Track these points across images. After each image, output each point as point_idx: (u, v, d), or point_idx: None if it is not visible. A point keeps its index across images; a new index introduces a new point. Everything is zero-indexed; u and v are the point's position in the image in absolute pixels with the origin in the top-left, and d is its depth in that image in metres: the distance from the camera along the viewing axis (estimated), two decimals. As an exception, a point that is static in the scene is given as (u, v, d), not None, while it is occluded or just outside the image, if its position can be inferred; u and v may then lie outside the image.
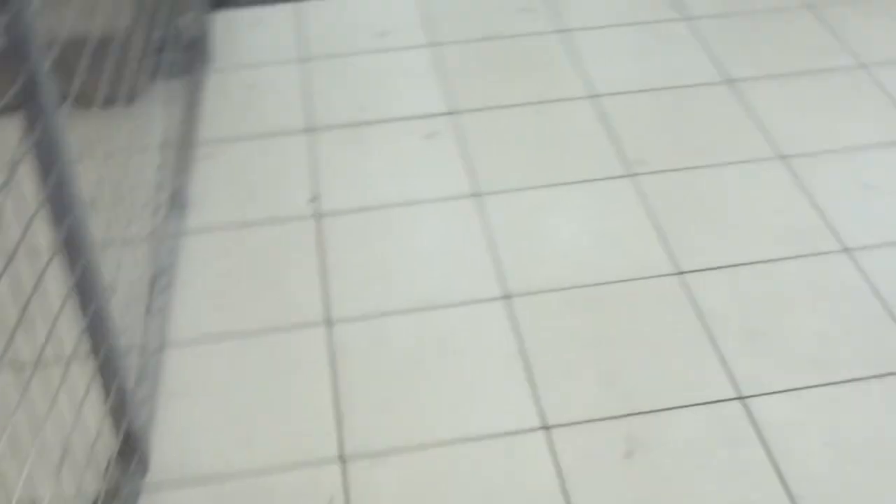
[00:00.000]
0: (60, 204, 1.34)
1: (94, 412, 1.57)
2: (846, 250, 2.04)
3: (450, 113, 2.48)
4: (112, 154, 2.07)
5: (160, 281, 2.03)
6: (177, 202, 2.22)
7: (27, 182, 1.29)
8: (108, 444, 1.60)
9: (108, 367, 1.53)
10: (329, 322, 1.94)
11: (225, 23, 2.87)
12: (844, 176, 2.24)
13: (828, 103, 2.47)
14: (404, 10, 2.90)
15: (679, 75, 2.58)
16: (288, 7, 2.92)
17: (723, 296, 1.95)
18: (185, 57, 2.64)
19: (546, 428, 1.71)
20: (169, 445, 1.71)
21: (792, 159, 2.29)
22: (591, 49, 2.70)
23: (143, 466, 1.67)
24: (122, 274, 1.84)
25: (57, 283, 1.42)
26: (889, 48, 2.64)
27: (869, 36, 2.69)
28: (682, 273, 2.00)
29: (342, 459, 1.68)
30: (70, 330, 1.46)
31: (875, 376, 1.76)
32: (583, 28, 2.78)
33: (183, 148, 2.37)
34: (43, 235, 1.34)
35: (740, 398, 1.73)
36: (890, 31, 2.73)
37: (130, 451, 1.63)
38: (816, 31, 2.72)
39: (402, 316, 1.95)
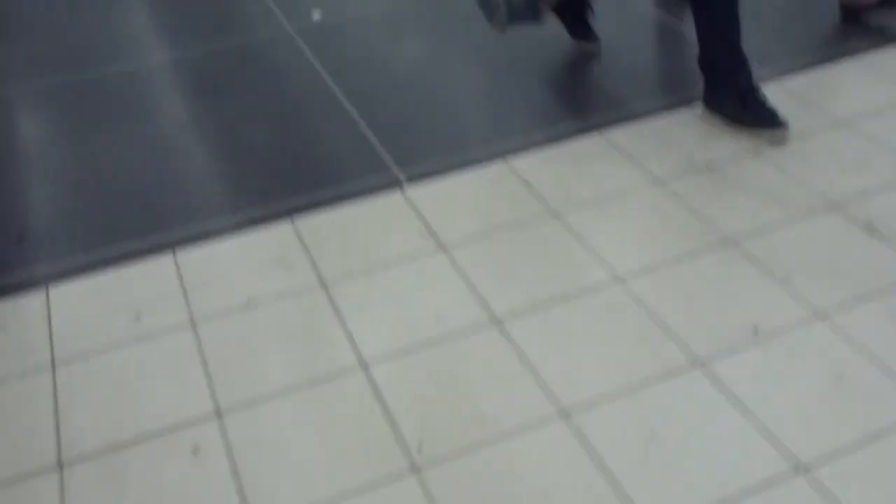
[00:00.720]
0: None
1: None
2: (650, 536, 1.62)
3: (216, 413, 1.93)
4: None
5: None
6: None
7: None
8: None
9: None
10: None
11: (-38, 329, 2.22)
12: (630, 425, 1.84)
13: (593, 333, 2.09)
14: (161, 279, 2.33)
15: (445, 321, 2.13)
16: (38, 296, 2.29)
17: None
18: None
19: None
20: None
21: (573, 415, 1.87)
22: (351, 301, 2.22)
23: None
24: None
25: None
26: (640, 255, 2.28)
27: (618, 243, 2.33)
28: None
29: None
30: None
31: None
32: (340, 276, 2.29)
33: None
34: None
35: None
36: (629, 232, 2.38)
37: None
38: (568, 244, 2.35)
39: None
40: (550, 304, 2.15)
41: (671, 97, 2.91)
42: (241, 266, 2.35)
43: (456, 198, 2.55)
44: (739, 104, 2.67)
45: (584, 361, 2.00)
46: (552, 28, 3.37)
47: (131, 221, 2.53)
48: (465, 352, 2.04)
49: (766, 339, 2.01)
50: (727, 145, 2.66)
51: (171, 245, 2.42)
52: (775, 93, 2.76)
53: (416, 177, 2.63)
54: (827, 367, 1.94)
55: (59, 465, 1.84)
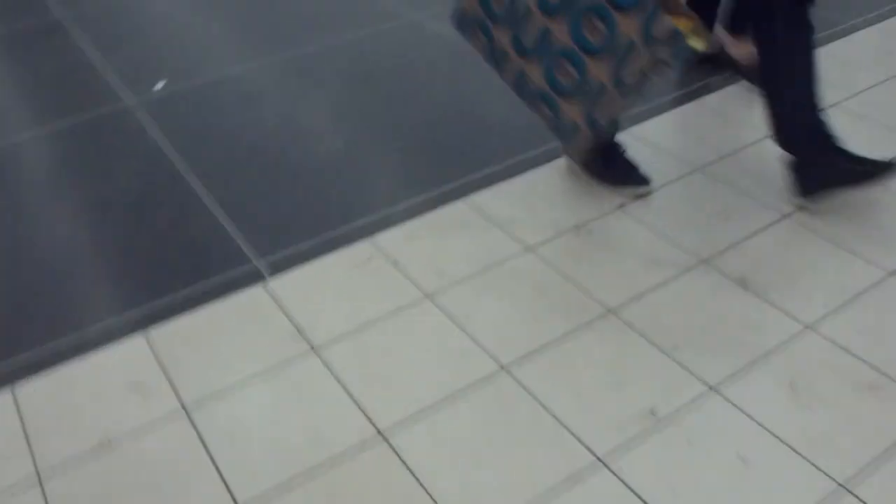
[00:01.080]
0: None
1: None
2: None
3: None
4: None
5: None
6: None
7: None
8: None
9: None
10: None
11: None
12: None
13: (487, 438, 1.84)
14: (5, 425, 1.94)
15: (326, 442, 1.83)
16: None
17: None
18: None
19: None
20: None
21: (476, 543, 1.61)
22: (219, 429, 1.89)
23: None
24: None
25: None
26: (523, 337, 2.04)
27: (497, 325, 2.09)
28: None
29: None
30: None
31: None
32: (204, 398, 1.96)
33: None
34: None
35: None
36: (507, 310, 2.14)
37: None
38: (446, 331, 2.09)
39: None
40: (437, 409, 1.89)
41: (533, 153, 2.70)
42: (91, 397, 1.98)
43: (323, 287, 2.26)
44: (602, 161, 2.48)
45: (482, 474, 1.75)
46: (410, 87, 3.13)
47: (-42, 354, 2.11)
48: (352, 478, 1.76)
49: (664, 422, 1.82)
50: (593, 203, 2.47)
51: (7, 378, 2.02)
52: (629, 142, 2.59)
53: (279, 265, 2.33)
54: (729, 450, 1.76)
55: None
